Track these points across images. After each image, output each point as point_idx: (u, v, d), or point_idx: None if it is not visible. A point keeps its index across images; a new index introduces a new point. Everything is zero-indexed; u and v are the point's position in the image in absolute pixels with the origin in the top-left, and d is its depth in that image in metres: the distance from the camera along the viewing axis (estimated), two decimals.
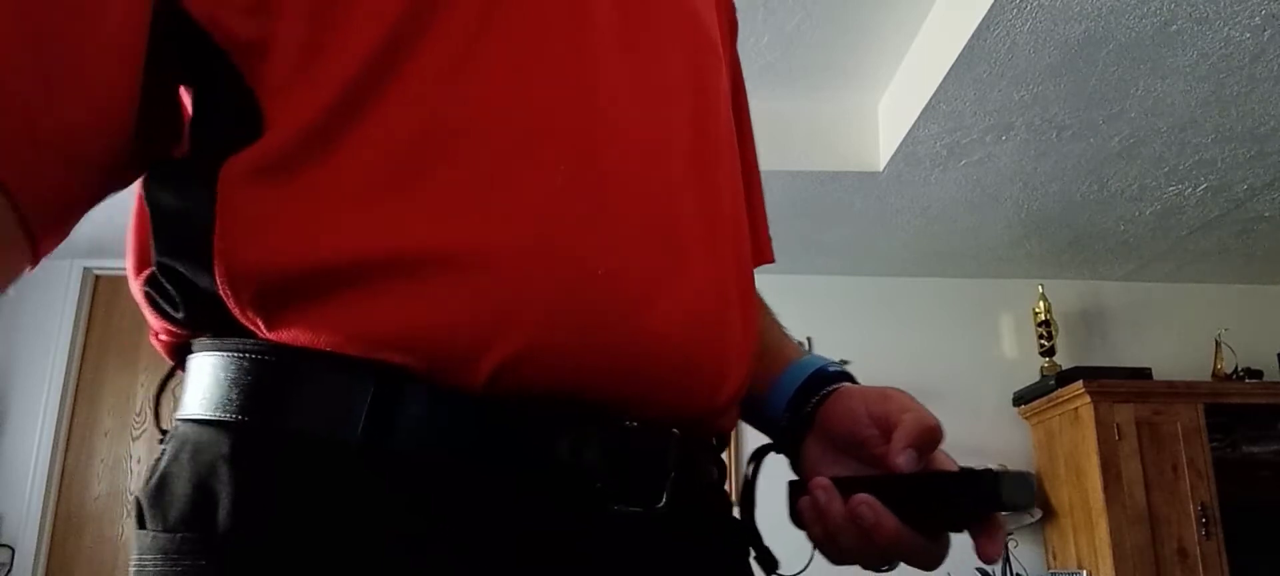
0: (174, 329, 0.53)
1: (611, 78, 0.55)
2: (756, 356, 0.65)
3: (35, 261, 0.46)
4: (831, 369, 0.68)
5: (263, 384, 0.48)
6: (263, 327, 0.48)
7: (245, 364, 0.49)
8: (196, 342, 0.52)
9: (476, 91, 0.50)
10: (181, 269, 0.50)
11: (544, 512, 0.49)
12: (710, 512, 0.63)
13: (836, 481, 0.59)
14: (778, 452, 0.69)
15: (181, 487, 0.48)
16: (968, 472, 0.54)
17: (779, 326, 0.76)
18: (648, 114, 0.56)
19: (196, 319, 0.51)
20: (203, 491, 0.47)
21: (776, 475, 0.71)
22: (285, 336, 0.48)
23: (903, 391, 0.62)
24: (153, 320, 0.55)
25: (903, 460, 0.57)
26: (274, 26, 0.48)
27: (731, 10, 0.80)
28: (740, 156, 0.73)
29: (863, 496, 0.55)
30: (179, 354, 0.55)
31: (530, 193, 0.49)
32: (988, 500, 0.52)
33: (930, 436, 0.57)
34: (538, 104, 0.51)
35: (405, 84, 0.49)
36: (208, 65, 0.49)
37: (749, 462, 0.67)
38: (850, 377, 0.68)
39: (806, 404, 0.65)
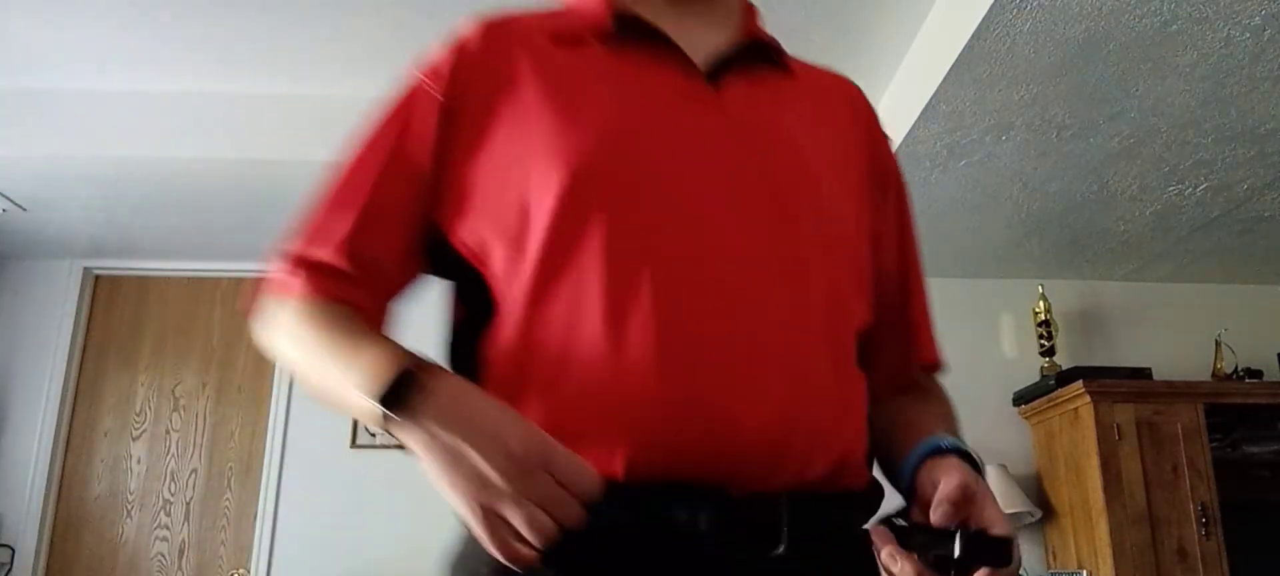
0: None
1: (666, 298, 0.74)
2: (878, 430, 0.87)
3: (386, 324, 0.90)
4: (944, 444, 0.80)
5: None
6: None
7: None
8: None
9: (568, 331, 0.77)
10: None
11: (673, 558, 0.71)
12: (844, 550, 0.76)
13: (892, 526, 0.73)
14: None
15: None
16: (962, 530, 0.69)
17: (933, 410, 0.92)
18: (700, 315, 0.74)
19: None
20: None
21: None
22: None
23: (962, 463, 0.77)
24: None
25: (935, 515, 0.71)
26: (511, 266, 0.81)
27: (879, 146, 0.98)
28: (899, 267, 0.97)
29: (887, 548, 0.71)
30: None
31: (613, 389, 0.73)
32: (974, 556, 0.68)
33: (959, 493, 0.71)
34: (599, 331, 0.74)
35: (522, 314, 0.79)
36: (458, 270, 0.87)
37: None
38: (959, 450, 0.80)
39: (911, 475, 0.80)
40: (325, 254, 0.83)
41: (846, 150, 0.91)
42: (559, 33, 0.87)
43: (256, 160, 3.07)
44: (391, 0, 2.59)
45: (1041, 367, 3.77)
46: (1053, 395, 3.57)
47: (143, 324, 3.97)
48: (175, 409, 3.87)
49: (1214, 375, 3.71)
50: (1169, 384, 3.50)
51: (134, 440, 3.84)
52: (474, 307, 0.84)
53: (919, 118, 2.71)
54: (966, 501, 0.71)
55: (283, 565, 3.61)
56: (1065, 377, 3.52)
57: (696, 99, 0.84)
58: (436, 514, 3.35)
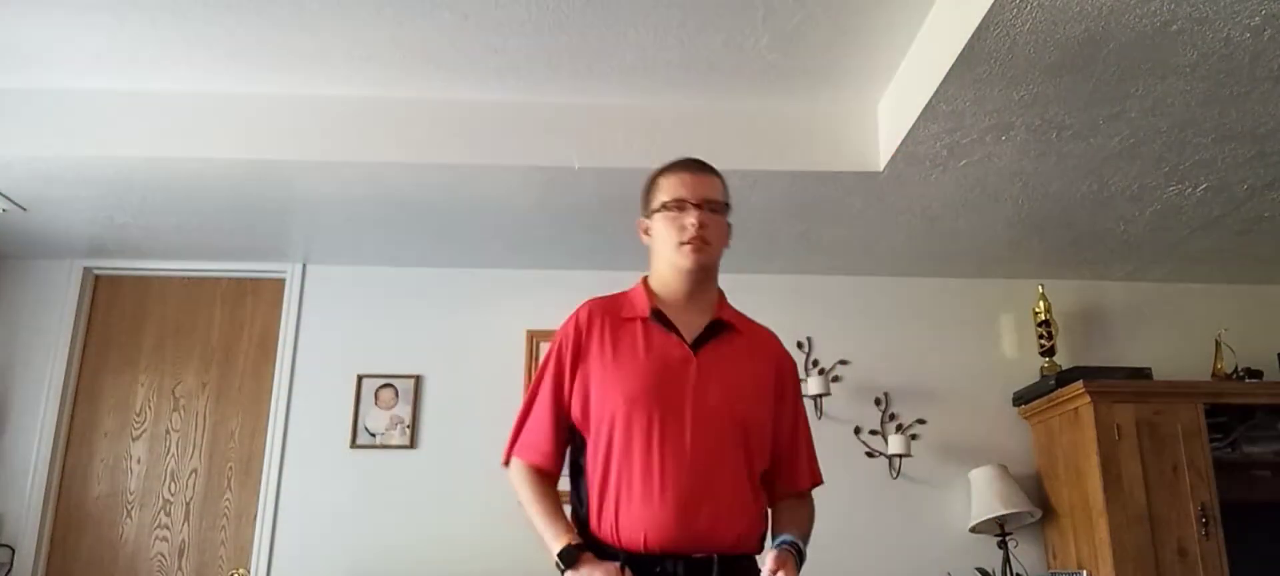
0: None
1: (665, 457, 1.60)
2: (757, 530, 1.70)
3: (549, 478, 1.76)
4: (783, 539, 1.64)
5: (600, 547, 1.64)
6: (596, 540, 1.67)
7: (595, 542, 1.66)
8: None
9: (627, 469, 1.62)
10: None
11: None
12: None
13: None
14: None
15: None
16: None
17: (795, 516, 1.76)
18: (681, 465, 1.59)
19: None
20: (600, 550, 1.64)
21: None
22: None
23: (783, 549, 1.60)
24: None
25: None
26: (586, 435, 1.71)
27: (784, 373, 1.81)
28: (790, 437, 1.79)
29: None
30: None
31: (643, 505, 1.59)
32: None
33: (772, 563, 1.56)
34: (637, 471, 1.61)
35: (602, 467, 1.65)
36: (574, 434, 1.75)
37: None
38: (789, 542, 1.63)
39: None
40: (534, 457, 1.73)
41: (764, 376, 1.75)
42: (623, 313, 1.74)
43: (256, 160, 3.07)
44: (391, 0, 2.59)
45: (1041, 367, 3.77)
46: (1053, 395, 3.57)
47: (143, 324, 3.97)
48: (175, 409, 3.87)
49: (1214, 375, 3.71)
50: (1169, 384, 3.50)
51: (134, 440, 3.84)
52: (576, 454, 1.72)
53: (919, 118, 2.71)
54: (776, 566, 1.55)
55: (283, 565, 3.61)
56: (1065, 378, 3.52)
57: (687, 359, 1.68)
58: (436, 514, 3.37)
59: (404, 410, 3.78)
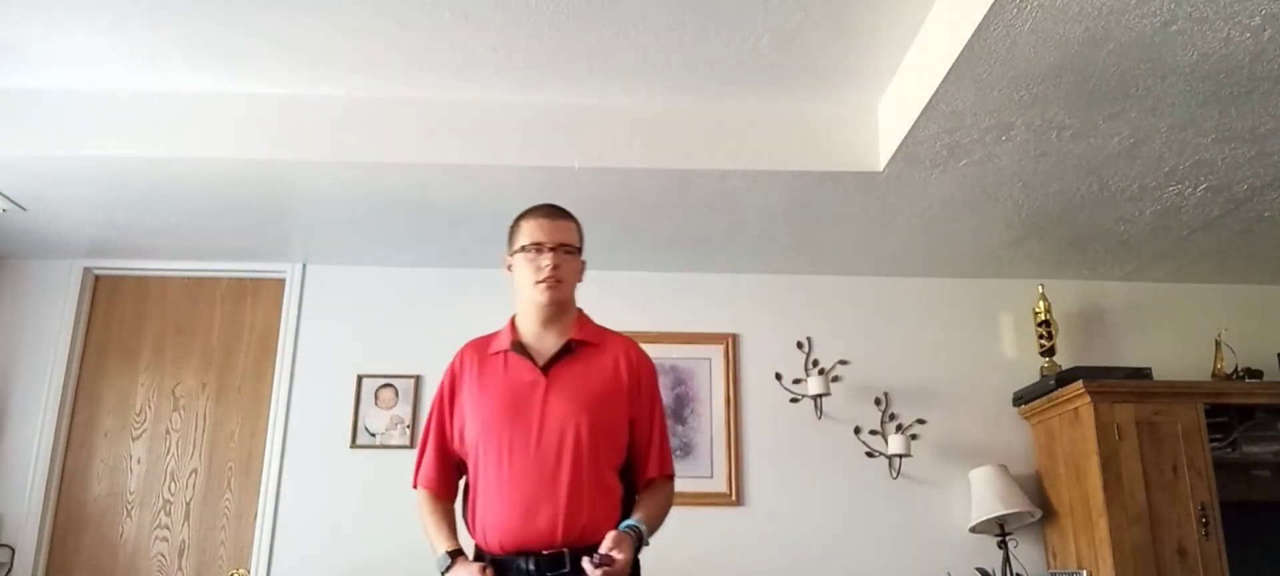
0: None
1: (511, 469, 1.88)
2: (608, 520, 1.88)
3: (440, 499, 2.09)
4: (624, 524, 1.84)
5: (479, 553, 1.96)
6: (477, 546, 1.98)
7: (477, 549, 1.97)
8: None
9: (487, 484, 1.92)
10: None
11: None
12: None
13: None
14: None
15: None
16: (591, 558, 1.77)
17: (644, 504, 1.95)
18: (525, 473, 1.87)
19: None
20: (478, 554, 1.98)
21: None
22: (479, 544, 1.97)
23: (621, 531, 1.81)
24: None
25: (596, 557, 1.76)
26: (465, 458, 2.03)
27: (637, 375, 2.01)
28: (646, 430, 2.00)
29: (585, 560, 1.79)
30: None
31: (496, 512, 1.88)
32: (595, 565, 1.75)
33: (608, 542, 1.77)
34: (492, 485, 1.90)
35: (475, 485, 1.97)
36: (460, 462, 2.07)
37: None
38: (634, 530, 1.83)
39: None
40: (428, 484, 2.04)
41: (615, 381, 1.97)
42: (490, 349, 2.02)
43: (256, 160, 3.07)
44: (391, 0, 2.59)
45: (1041, 367, 3.77)
46: (1053, 395, 3.57)
47: (143, 324, 3.97)
48: (175, 409, 3.87)
49: (1214, 375, 3.71)
50: (1169, 384, 3.50)
51: (134, 440, 3.83)
52: (465, 475, 2.02)
53: (919, 118, 2.71)
54: (612, 545, 1.75)
55: (283, 565, 3.61)
56: (1065, 378, 3.52)
57: (536, 381, 1.93)
58: None
59: (404, 410, 3.78)
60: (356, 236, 3.69)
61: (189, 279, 4.01)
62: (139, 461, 3.81)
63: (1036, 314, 3.84)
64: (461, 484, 2.05)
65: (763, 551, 3.66)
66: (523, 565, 1.81)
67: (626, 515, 1.90)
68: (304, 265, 3.98)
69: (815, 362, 3.89)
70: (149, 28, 2.73)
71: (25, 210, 3.44)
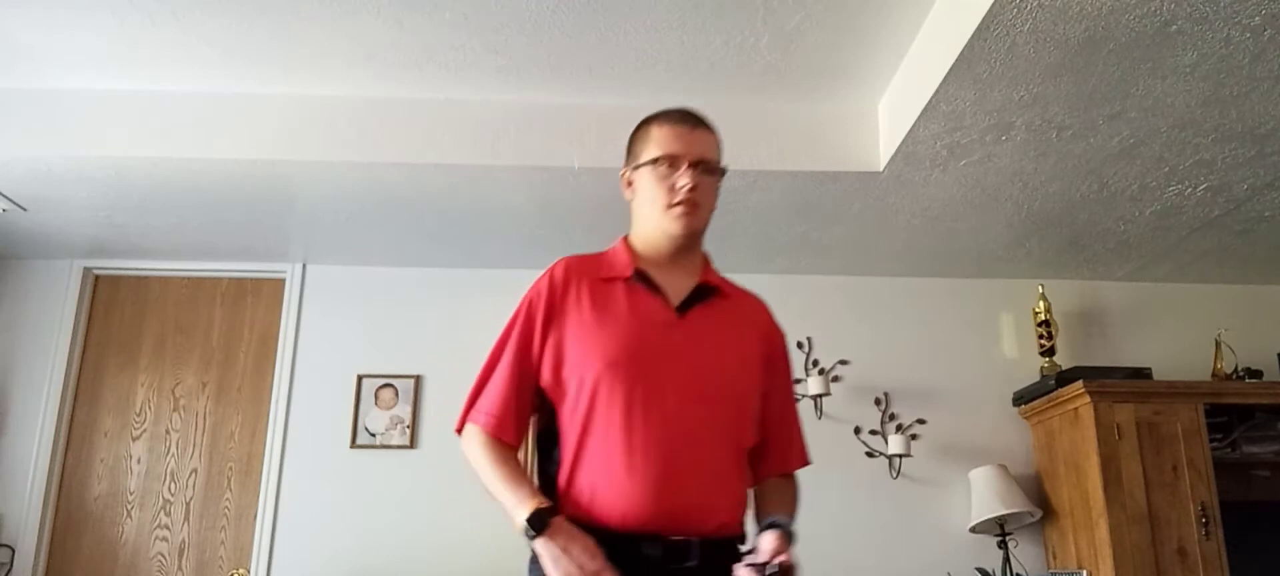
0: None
1: (644, 428, 1.45)
2: (760, 500, 1.62)
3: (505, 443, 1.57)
4: (774, 521, 1.46)
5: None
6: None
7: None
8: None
9: (603, 441, 1.46)
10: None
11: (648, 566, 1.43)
12: (720, 563, 1.44)
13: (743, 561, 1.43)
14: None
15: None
16: (763, 567, 1.37)
17: (783, 497, 1.63)
18: (662, 437, 1.45)
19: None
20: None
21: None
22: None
23: (774, 531, 1.41)
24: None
25: (757, 558, 1.39)
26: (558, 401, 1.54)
27: (773, 343, 1.68)
28: (781, 411, 1.66)
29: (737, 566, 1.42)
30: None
31: (619, 480, 1.44)
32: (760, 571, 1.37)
33: (766, 545, 1.39)
34: (614, 443, 1.45)
35: (577, 438, 1.49)
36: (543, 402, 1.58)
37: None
38: (781, 525, 1.43)
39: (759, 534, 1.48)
40: (491, 424, 1.55)
41: (751, 343, 1.61)
42: (602, 273, 1.59)
43: (256, 160, 3.07)
44: (391, 0, 2.59)
45: (1041, 367, 3.77)
46: (1053, 395, 3.56)
47: (143, 324, 3.97)
48: (175, 409, 3.87)
49: (1214, 375, 3.71)
50: (1169, 384, 3.50)
51: (134, 440, 3.84)
52: (547, 421, 1.57)
53: (919, 118, 2.71)
54: (779, 547, 1.38)
55: (283, 565, 3.61)
56: (1065, 378, 3.52)
57: (671, 324, 1.54)
58: (436, 514, 3.37)
59: (404, 410, 3.78)
60: (356, 236, 3.69)
61: (189, 279, 4.01)
62: (139, 461, 3.81)
63: (1036, 314, 3.84)
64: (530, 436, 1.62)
65: None
66: (649, 551, 1.41)
67: (746, 511, 1.56)
68: (304, 265, 3.98)
69: (815, 362, 3.89)
70: (149, 28, 2.73)
71: (25, 210, 3.44)
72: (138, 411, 3.87)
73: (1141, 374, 3.53)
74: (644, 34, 2.73)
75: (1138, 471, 3.32)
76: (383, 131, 3.07)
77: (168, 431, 3.85)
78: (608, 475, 1.44)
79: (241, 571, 3.65)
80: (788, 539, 1.41)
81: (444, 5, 2.60)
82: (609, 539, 1.39)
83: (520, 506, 1.43)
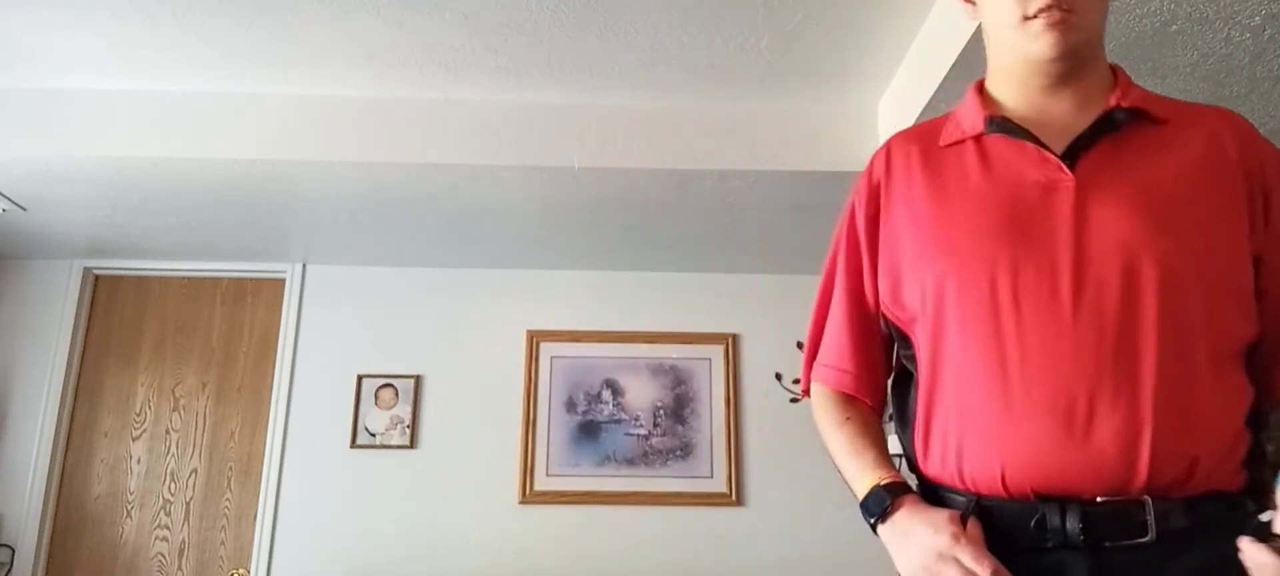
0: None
1: (1024, 338, 1.00)
2: (1234, 447, 0.99)
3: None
4: None
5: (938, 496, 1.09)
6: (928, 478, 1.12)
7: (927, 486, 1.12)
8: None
9: (964, 369, 1.05)
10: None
11: (1047, 548, 0.99)
12: (1204, 537, 0.95)
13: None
14: None
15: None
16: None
17: None
18: (1056, 348, 0.98)
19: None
20: (936, 498, 1.08)
21: None
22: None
23: None
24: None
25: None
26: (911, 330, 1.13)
27: (1263, 169, 1.07)
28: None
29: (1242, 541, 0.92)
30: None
31: (993, 420, 1.02)
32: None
33: None
34: (979, 368, 1.03)
35: (930, 374, 1.09)
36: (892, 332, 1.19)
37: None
38: None
39: None
40: (833, 377, 1.22)
41: (1217, 178, 1.05)
42: (941, 140, 1.17)
43: (256, 160, 3.07)
44: (391, 0, 2.59)
45: None
46: None
47: (143, 324, 3.97)
48: (175, 409, 3.87)
49: None
50: None
51: (134, 440, 3.84)
52: (902, 361, 1.17)
53: (919, 118, 2.70)
54: None
55: (283, 565, 3.62)
56: None
57: (1054, 181, 1.05)
58: (436, 514, 3.37)
59: (404, 410, 3.78)
60: (356, 236, 3.69)
61: (189, 279, 4.01)
62: (139, 461, 3.81)
63: None
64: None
65: (763, 551, 3.66)
66: (1053, 521, 0.97)
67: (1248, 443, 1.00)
68: (304, 265, 3.98)
69: None
70: (149, 28, 2.73)
71: (25, 210, 3.44)
72: (138, 411, 3.87)
73: None
74: (644, 34, 2.73)
75: None
76: (383, 131, 3.07)
77: (168, 431, 3.85)
78: (971, 416, 1.02)
79: (241, 571, 3.65)
80: None
81: (444, 5, 2.60)
82: (995, 509, 1.00)
83: (857, 482, 1.10)
